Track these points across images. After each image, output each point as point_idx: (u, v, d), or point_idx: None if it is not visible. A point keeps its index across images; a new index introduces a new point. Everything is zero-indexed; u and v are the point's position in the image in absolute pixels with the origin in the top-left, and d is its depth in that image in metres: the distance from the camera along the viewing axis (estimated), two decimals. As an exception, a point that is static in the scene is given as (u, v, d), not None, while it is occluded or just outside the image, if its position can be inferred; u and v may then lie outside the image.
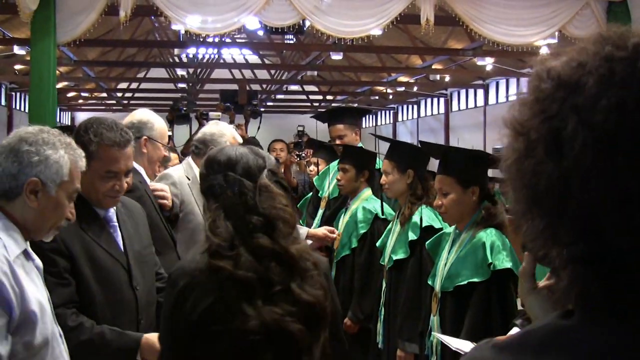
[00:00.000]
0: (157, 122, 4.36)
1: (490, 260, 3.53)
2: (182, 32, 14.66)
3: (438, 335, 3.18)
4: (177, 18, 10.02)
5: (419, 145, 4.85)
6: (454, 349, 3.01)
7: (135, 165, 3.98)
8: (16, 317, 2.37)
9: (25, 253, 2.54)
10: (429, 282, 3.93)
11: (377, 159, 5.62)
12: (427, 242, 4.17)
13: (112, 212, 3.46)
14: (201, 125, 8.45)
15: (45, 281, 2.68)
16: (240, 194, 2.30)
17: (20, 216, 2.53)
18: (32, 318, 2.43)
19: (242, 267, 2.20)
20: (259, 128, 10.66)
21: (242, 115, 12.00)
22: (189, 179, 4.84)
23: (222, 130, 5.01)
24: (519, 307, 3.56)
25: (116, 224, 3.46)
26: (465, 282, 3.61)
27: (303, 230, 5.31)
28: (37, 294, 2.50)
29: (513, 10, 10.34)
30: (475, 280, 3.57)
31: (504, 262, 3.54)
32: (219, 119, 9.56)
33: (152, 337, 3.13)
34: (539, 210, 1.05)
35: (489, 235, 3.62)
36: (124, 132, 3.44)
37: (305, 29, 13.58)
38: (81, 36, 9.33)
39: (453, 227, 3.92)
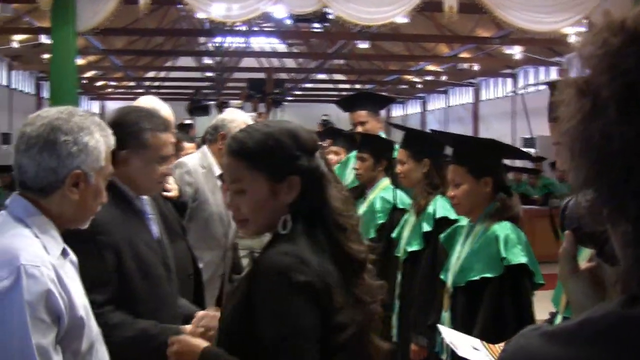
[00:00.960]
0: (164, 110, 4.27)
1: (503, 255, 3.37)
2: (208, 21, 14.64)
3: (444, 335, 3.00)
4: (200, 7, 9.98)
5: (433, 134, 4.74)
6: (447, 342, 2.86)
7: None
8: (65, 325, 2.19)
9: (62, 250, 2.34)
10: (442, 277, 3.78)
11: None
12: (441, 235, 4.06)
13: (147, 204, 3.39)
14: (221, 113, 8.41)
15: (86, 277, 2.48)
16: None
17: (58, 210, 2.33)
18: (79, 324, 2.27)
19: None
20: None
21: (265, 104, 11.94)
22: (204, 168, 4.78)
23: (232, 116, 4.95)
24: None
25: (151, 215, 3.40)
26: (478, 278, 3.45)
27: None
28: (82, 297, 2.34)
29: (538, -4, 10.16)
30: (488, 275, 3.41)
31: (518, 256, 3.38)
32: (240, 108, 9.56)
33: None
34: (606, 178, 0.93)
35: (502, 229, 3.46)
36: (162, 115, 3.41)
37: (330, 16, 13.53)
38: (100, 24, 9.33)
39: (467, 219, 3.81)
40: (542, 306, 3.29)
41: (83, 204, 2.36)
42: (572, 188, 1.01)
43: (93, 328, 2.37)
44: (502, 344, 2.73)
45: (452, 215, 4.27)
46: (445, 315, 3.65)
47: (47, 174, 2.28)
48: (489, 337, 3.01)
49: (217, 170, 4.82)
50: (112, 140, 2.47)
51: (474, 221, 3.64)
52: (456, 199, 3.63)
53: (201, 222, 4.67)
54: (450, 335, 2.85)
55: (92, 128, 2.36)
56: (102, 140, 2.39)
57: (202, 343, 2.27)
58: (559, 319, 2.49)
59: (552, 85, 2.64)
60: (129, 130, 3.11)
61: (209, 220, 4.67)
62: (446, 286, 3.67)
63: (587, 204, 0.97)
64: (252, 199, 2.20)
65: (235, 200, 2.24)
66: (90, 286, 2.50)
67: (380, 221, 5.17)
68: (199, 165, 4.80)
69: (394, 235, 4.84)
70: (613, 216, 0.95)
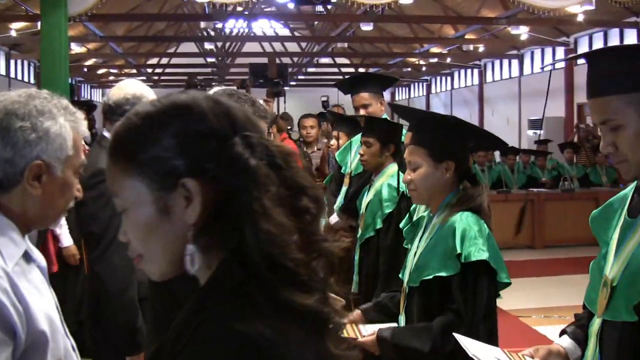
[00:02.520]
0: (152, 96, 3.94)
1: (459, 250, 2.93)
2: (208, 5, 14.36)
3: (465, 347, 2.66)
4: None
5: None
6: (470, 354, 2.53)
7: None
8: (22, 342, 1.86)
9: (25, 255, 2.01)
10: (400, 276, 3.33)
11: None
12: (402, 226, 3.67)
13: None
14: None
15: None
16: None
17: (20, 208, 2.00)
18: (41, 340, 1.92)
19: None
20: (278, 106, 10.16)
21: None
22: None
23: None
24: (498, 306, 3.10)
25: None
26: (431, 277, 3.00)
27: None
28: (46, 307, 2.00)
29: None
30: (443, 274, 2.97)
31: (478, 252, 2.93)
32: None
33: None
34: None
35: (462, 221, 3.01)
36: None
37: (333, -1, 13.25)
38: (93, 8, 9.08)
39: (427, 210, 3.33)
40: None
41: (48, 199, 2.03)
42: None
43: (61, 344, 2.03)
44: (526, 352, 2.45)
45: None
46: (401, 318, 3.26)
47: (2, 167, 1.96)
48: (444, 344, 2.78)
49: None
50: (82, 126, 2.12)
51: (433, 212, 3.20)
52: (412, 184, 3.15)
53: None
54: (472, 347, 2.54)
55: (54, 112, 2.01)
56: (67, 126, 2.04)
57: None
58: (596, 324, 2.21)
59: (592, 55, 2.32)
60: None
61: None
62: (403, 286, 3.23)
63: None
64: (135, 222, 1.37)
65: (125, 225, 1.39)
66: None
67: (388, 210, 4.89)
68: None
69: (401, 225, 4.53)
70: None
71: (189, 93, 1.40)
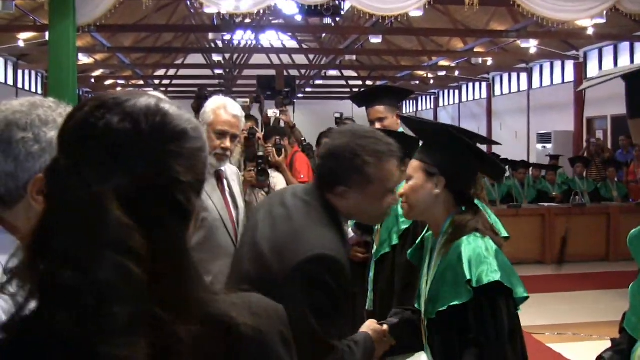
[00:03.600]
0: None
1: (468, 277, 2.77)
2: (217, 17, 14.30)
3: None
4: (210, 0, 9.61)
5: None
6: None
7: None
8: None
9: None
10: (416, 305, 3.16)
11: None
12: (408, 252, 3.51)
13: None
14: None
15: None
16: None
17: (25, 225, 1.79)
18: None
19: None
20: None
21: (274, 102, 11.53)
22: None
23: (210, 102, 4.58)
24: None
25: None
26: (445, 308, 2.84)
27: None
28: None
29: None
30: (456, 302, 2.80)
31: (490, 274, 2.77)
32: (246, 106, 9.18)
33: None
34: None
35: (467, 244, 2.85)
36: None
37: (342, 11, 13.17)
38: (101, 17, 8.99)
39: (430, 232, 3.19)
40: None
41: None
42: None
43: None
44: None
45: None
46: (426, 349, 3.07)
47: (4, 181, 1.83)
48: None
49: (212, 169, 4.41)
50: None
51: (435, 235, 3.06)
52: (404, 197, 3.03)
53: (203, 232, 4.25)
54: None
55: (59, 121, 1.83)
56: None
57: None
58: None
59: (629, 76, 2.19)
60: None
61: (212, 228, 4.26)
62: (421, 317, 3.05)
63: None
64: None
65: None
66: None
67: (404, 226, 4.77)
68: None
69: (418, 242, 4.39)
70: None
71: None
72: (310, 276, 2.38)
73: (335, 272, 2.44)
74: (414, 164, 3.06)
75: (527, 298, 2.88)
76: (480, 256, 2.80)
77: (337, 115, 8.68)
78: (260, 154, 6.53)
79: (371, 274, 4.90)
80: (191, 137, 1.22)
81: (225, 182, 4.51)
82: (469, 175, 3.14)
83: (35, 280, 1.07)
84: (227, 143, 4.35)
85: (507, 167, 14.20)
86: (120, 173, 1.12)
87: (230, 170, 4.69)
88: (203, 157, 1.25)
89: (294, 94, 17.98)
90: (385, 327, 3.02)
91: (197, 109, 8.28)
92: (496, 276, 2.76)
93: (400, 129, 5.55)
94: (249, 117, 7.96)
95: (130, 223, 1.08)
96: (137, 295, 1.06)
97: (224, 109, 4.42)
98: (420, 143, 4.61)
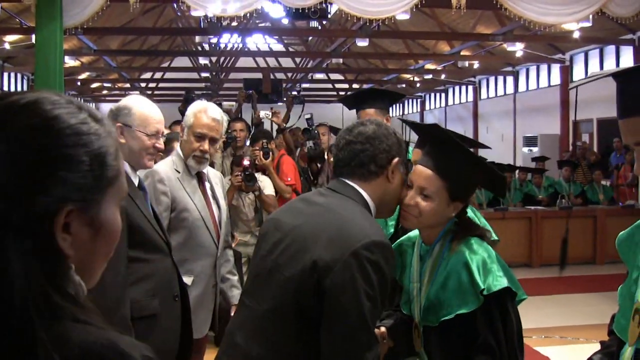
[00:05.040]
0: (137, 108, 3.75)
1: (482, 286, 2.73)
2: (203, 20, 14.27)
3: None
4: (196, 3, 9.58)
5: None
6: None
7: None
8: None
9: None
10: (404, 311, 3.07)
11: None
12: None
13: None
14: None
15: None
16: None
17: None
18: None
19: None
20: (289, 117, 9.88)
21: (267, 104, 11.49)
22: (179, 172, 4.36)
23: (191, 106, 4.65)
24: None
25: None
26: (453, 316, 2.79)
27: None
28: None
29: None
30: (464, 311, 2.76)
31: (498, 280, 2.75)
32: (230, 109, 9.16)
33: None
34: None
35: (471, 251, 2.82)
36: None
37: (329, 14, 13.15)
38: (88, 20, 8.94)
39: (416, 234, 3.08)
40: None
41: None
42: None
43: None
44: None
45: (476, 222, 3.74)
46: (422, 354, 3.03)
47: None
48: None
49: (192, 170, 4.43)
50: None
51: (428, 242, 2.96)
52: (416, 210, 2.85)
53: (185, 232, 4.26)
54: None
55: None
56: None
57: None
58: (628, 352, 2.07)
59: (620, 75, 2.16)
60: None
61: (193, 228, 4.27)
62: (414, 322, 2.98)
63: None
64: None
65: None
66: None
67: (392, 230, 4.77)
68: (171, 170, 4.35)
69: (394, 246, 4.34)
70: None
71: None
72: (369, 260, 2.39)
73: (388, 259, 2.47)
74: (437, 182, 2.85)
75: (525, 299, 2.89)
76: (485, 263, 2.78)
77: (308, 116, 8.65)
78: (247, 163, 6.51)
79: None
80: None
81: (207, 184, 4.52)
82: (474, 189, 3.14)
83: None
84: (206, 146, 4.36)
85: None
86: None
87: (213, 173, 4.73)
88: None
89: (280, 97, 17.92)
90: (382, 329, 3.01)
91: (184, 112, 8.26)
92: (504, 282, 2.75)
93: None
94: (236, 119, 7.95)
95: None
96: None
97: (204, 112, 4.43)
98: (412, 146, 4.62)
